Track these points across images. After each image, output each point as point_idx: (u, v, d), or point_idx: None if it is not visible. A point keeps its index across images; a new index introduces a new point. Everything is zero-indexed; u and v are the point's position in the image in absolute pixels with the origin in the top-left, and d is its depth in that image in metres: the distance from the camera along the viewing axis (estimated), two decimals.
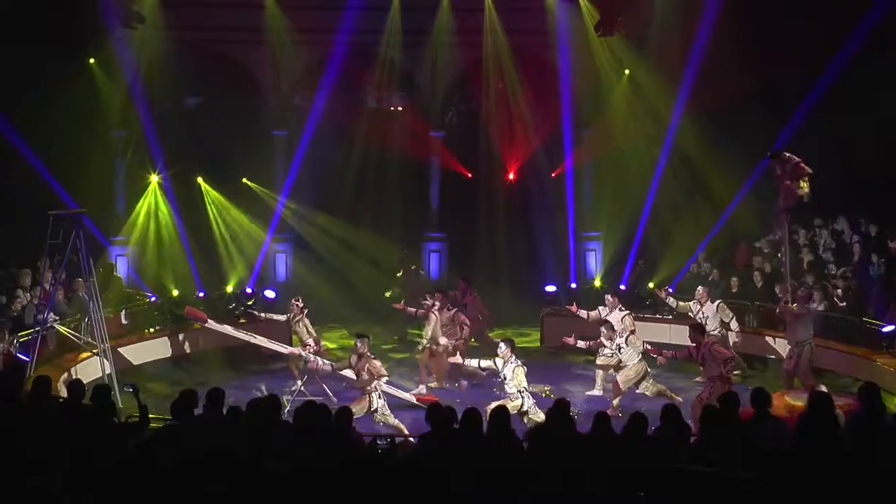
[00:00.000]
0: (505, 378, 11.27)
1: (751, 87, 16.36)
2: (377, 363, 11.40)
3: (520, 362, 11.39)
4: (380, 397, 11.23)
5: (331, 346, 15.28)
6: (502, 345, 11.49)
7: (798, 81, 15.68)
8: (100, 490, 5.36)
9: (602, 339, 12.87)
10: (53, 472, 5.49)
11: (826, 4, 14.96)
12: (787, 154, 13.18)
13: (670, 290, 15.43)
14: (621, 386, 12.39)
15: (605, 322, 13.07)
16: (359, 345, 11.52)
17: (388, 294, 16.81)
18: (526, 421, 10.76)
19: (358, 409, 10.95)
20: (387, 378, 11.64)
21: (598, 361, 13.13)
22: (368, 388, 11.21)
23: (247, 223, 17.73)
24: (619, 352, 12.54)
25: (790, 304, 12.92)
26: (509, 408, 9.67)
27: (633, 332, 12.88)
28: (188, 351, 14.98)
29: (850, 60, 15.04)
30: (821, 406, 7.01)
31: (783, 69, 15.97)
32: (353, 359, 11.53)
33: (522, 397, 11.08)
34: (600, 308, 13.86)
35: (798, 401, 10.55)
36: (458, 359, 12.82)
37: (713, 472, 5.68)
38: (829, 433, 6.68)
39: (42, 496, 5.02)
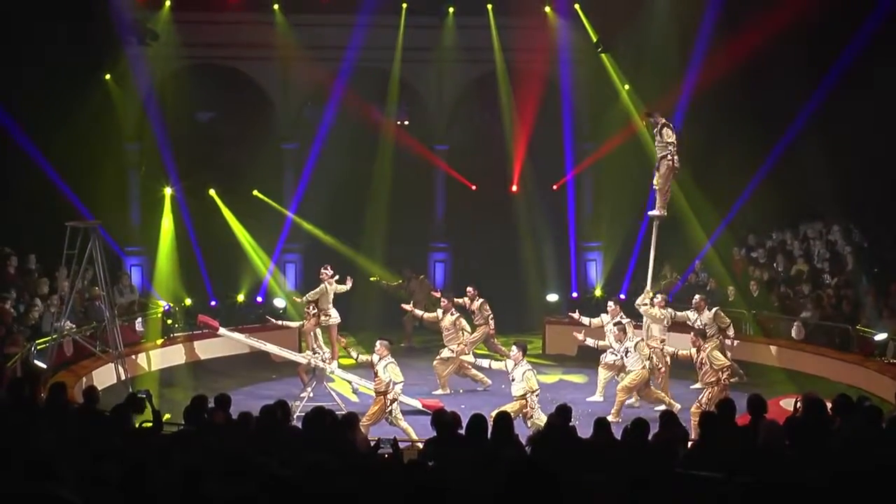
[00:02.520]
0: (514, 380, 11.43)
1: (747, 98, 16.74)
2: (396, 367, 11.52)
3: (530, 366, 11.60)
4: (393, 401, 11.37)
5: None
6: (514, 348, 11.67)
7: (793, 94, 15.95)
8: (115, 494, 5.34)
9: (611, 339, 13.06)
10: (68, 477, 5.40)
11: (820, 20, 15.30)
12: (662, 118, 13.05)
13: (669, 299, 15.73)
14: (623, 392, 12.52)
15: (618, 323, 13.13)
16: (379, 346, 11.65)
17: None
18: (530, 425, 10.92)
19: (373, 413, 11.26)
20: (402, 383, 11.65)
21: (603, 363, 13.34)
22: (384, 390, 11.35)
23: (257, 234, 17.88)
24: (626, 356, 12.67)
25: (649, 307, 13.19)
26: (512, 412, 9.92)
27: (642, 339, 12.91)
28: (202, 358, 15.27)
29: (845, 72, 15.36)
30: (814, 407, 7.29)
31: (778, 81, 16.32)
32: (375, 358, 11.64)
33: (528, 401, 11.24)
34: (602, 316, 13.95)
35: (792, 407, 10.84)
36: (470, 357, 13.11)
37: (711, 476, 5.75)
38: (821, 434, 6.88)
39: (57, 501, 4.93)
